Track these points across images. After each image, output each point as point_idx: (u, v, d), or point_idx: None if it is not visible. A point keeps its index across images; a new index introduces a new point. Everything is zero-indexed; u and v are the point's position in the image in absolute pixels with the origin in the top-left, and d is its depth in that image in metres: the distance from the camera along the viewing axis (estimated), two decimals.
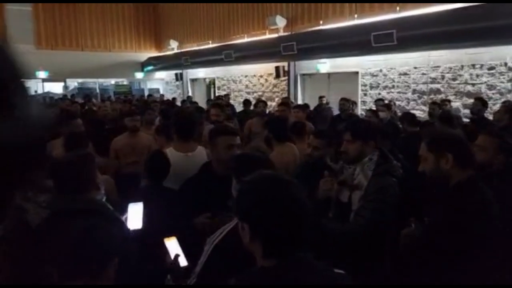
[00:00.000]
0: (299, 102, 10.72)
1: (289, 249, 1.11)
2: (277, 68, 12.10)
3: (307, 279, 1.09)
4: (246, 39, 12.91)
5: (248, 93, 13.77)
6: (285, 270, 1.09)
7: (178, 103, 11.07)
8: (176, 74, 16.70)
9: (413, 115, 5.12)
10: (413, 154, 2.71)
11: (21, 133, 0.48)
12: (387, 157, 2.38)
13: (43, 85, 16.23)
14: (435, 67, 8.93)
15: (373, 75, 10.12)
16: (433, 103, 7.01)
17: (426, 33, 7.64)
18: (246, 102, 8.85)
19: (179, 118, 3.27)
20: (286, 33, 11.44)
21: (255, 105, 8.50)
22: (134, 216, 2.12)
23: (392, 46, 8.18)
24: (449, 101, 7.71)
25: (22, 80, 0.55)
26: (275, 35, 11.72)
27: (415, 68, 9.26)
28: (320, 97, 9.22)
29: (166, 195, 2.69)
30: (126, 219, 2.14)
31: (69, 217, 1.82)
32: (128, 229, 2.07)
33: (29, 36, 14.77)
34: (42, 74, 15.02)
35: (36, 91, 17.36)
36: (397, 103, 9.24)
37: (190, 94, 15.80)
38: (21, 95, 0.51)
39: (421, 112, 9.14)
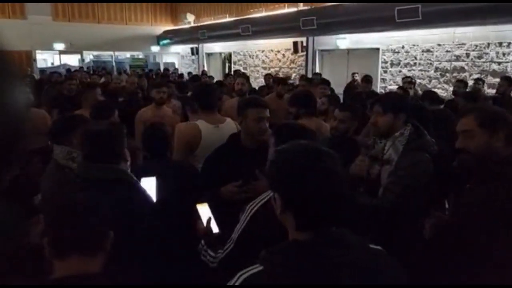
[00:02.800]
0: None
1: (323, 223, 1.07)
2: (295, 43, 11.88)
3: (343, 255, 1.04)
4: (264, 13, 12.65)
5: (265, 68, 13.60)
6: (319, 244, 1.04)
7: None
8: (191, 48, 16.56)
9: (435, 93, 4.99)
10: (438, 132, 2.65)
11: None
12: (421, 132, 2.30)
13: (60, 57, 16.28)
14: (460, 44, 8.66)
15: (394, 52, 9.88)
16: (459, 81, 6.78)
17: (453, 9, 7.36)
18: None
19: (200, 91, 3.23)
20: (306, 7, 11.17)
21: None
22: (148, 190, 2.11)
23: (417, 21, 7.91)
24: (483, 81, 7.40)
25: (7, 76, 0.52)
26: (294, 9, 11.46)
27: (439, 45, 9.00)
28: (353, 74, 9.04)
29: (172, 166, 2.67)
30: None
31: (98, 186, 1.82)
32: (152, 201, 2.05)
33: (46, 8, 14.71)
34: (59, 46, 15.02)
35: (52, 63, 17.49)
36: (419, 81, 9.03)
37: (205, 68, 15.70)
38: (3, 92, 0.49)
39: (443, 91, 8.94)
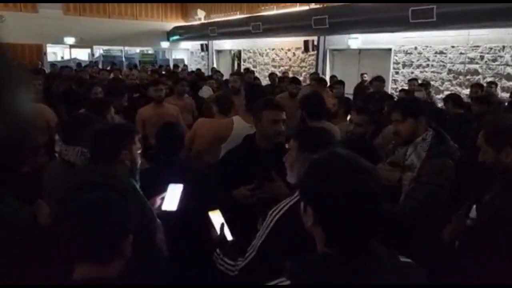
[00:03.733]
0: (327, 78, 10.48)
1: (354, 239, 1.01)
2: (306, 42, 11.79)
3: (374, 269, 1.00)
4: (275, 11, 12.57)
5: (275, 66, 13.53)
6: (350, 258, 1.00)
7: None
8: (201, 45, 16.52)
9: (459, 96, 4.89)
10: (457, 137, 2.58)
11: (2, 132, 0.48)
12: (443, 138, 2.24)
13: (70, 51, 16.33)
14: (474, 46, 8.53)
15: (407, 53, 9.76)
16: (476, 85, 6.62)
17: (468, 10, 7.22)
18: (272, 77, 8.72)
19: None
20: (318, 6, 11.07)
21: (280, 81, 8.36)
22: (172, 198, 2.06)
23: (431, 22, 7.78)
24: (496, 84, 7.26)
25: (11, 76, 0.53)
26: (306, 8, 11.37)
27: (453, 47, 8.87)
28: (362, 74, 8.94)
29: (185, 168, 2.61)
30: (163, 198, 2.09)
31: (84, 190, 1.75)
32: (151, 209, 1.97)
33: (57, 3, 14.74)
34: (69, 40, 15.05)
35: (62, 57, 17.55)
36: (431, 83, 8.91)
37: (215, 65, 15.66)
38: (7, 94, 0.50)
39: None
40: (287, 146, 1.75)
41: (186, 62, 17.06)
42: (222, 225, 1.84)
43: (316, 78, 6.30)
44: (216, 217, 1.89)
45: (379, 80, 6.76)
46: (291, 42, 12.65)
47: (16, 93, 0.52)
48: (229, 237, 1.84)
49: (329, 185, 1.00)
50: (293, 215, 1.55)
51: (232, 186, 2.35)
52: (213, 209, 1.93)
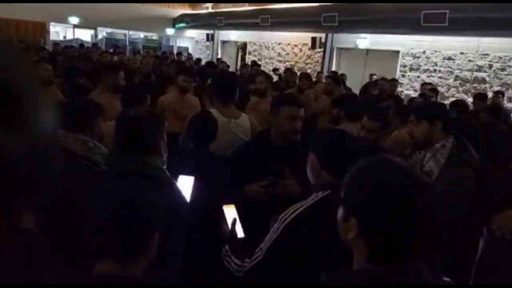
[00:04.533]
0: None
1: (402, 258, 0.93)
2: (313, 38, 11.68)
3: None
4: (285, 5, 12.43)
5: (280, 61, 13.43)
6: (393, 277, 0.91)
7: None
8: (207, 35, 16.36)
9: (465, 104, 4.83)
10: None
11: (25, 148, 0.49)
12: (465, 146, 2.18)
13: (73, 31, 16.12)
14: (484, 54, 8.47)
15: (414, 56, 9.68)
16: (479, 96, 6.34)
17: (481, 18, 7.16)
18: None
19: (220, 80, 3.13)
20: (328, 3, 10.95)
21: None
22: (183, 190, 1.97)
23: (443, 27, 7.71)
24: (503, 93, 7.14)
25: (35, 92, 0.53)
26: (316, 4, 11.24)
27: (462, 53, 8.81)
28: (371, 75, 8.83)
29: (214, 161, 2.54)
30: None
31: (117, 178, 1.64)
32: (185, 201, 1.90)
33: None
34: (74, 20, 14.85)
35: (65, 37, 17.33)
36: (437, 88, 8.86)
37: (219, 56, 15.52)
38: (33, 109, 0.50)
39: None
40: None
41: (190, 51, 16.88)
42: (234, 220, 1.77)
43: (333, 77, 6.24)
44: (230, 212, 1.82)
45: (388, 81, 6.69)
46: (298, 38, 12.53)
47: (37, 110, 0.52)
48: (240, 234, 1.78)
49: (380, 195, 0.91)
50: (305, 220, 1.50)
51: (244, 182, 2.28)
52: (228, 203, 1.86)
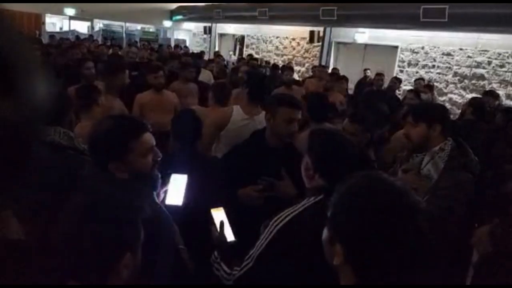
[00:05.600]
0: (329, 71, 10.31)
1: (390, 281, 0.87)
2: (311, 32, 11.57)
3: None
4: None
5: (278, 55, 13.32)
6: None
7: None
8: (204, 27, 16.20)
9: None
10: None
11: (17, 115, 0.49)
12: (464, 149, 2.12)
13: (69, 22, 15.93)
14: (483, 51, 8.41)
15: (413, 52, 9.61)
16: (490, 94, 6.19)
17: (481, 13, 7.09)
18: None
19: (256, 80, 3.19)
20: None
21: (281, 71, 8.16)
22: (176, 190, 1.88)
23: (442, 23, 7.64)
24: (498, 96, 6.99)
25: (28, 60, 0.52)
26: None
27: (461, 49, 8.74)
28: (365, 70, 8.75)
29: (203, 161, 2.46)
30: (166, 192, 1.91)
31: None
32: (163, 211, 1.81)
33: None
34: (69, 11, 14.67)
35: (61, 28, 17.13)
36: (435, 84, 8.81)
37: (217, 49, 15.39)
38: (25, 77, 0.51)
39: (459, 97, 8.74)
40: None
41: (187, 44, 16.73)
42: (222, 223, 1.71)
43: (333, 73, 6.19)
44: (219, 216, 1.76)
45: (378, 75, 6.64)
46: (297, 32, 12.42)
47: (30, 76, 0.52)
48: (230, 237, 1.71)
49: (368, 221, 0.84)
50: (297, 226, 1.44)
51: (238, 184, 2.22)
52: (216, 207, 1.79)
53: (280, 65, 8.35)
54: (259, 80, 3.27)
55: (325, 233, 0.94)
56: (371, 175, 0.94)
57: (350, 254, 0.87)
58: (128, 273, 0.96)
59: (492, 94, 5.28)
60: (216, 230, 1.70)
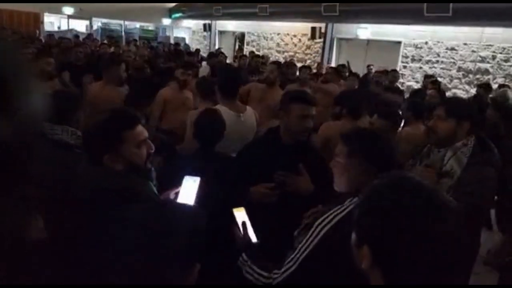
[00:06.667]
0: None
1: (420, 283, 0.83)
2: (313, 28, 11.49)
3: None
4: None
5: (279, 52, 13.24)
6: None
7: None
8: (204, 24, 16.11)
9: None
10: None
11: (13, 134, 0.51)
12: (487, 145, 2.06)
13: (68, 21, 15.83)
14: (487, 45, 8.33)
15: (416, 47, 9.53)
16: (480, 86, 6.40)
17: (486, 7, 7.01)
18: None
19: (225, 75, 3.00)
20: None
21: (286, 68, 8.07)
22: (188, 191, 1.83)
23: (446, 17, 7.55)
24: (509, 87, 7.00)
25: (24, 79, 0.54)
26: None
27: (465, 44, 8.67)
28: (368, 66, 8.67)
29: (221, 161, 2.41)
30: (177, 193, 1.87)
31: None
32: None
33: None
34: (68, 10, 14.57)
35: (59, 27, 17.03)
36: (439, 79, 8.73)
37: (217, 46, 15.30)
38: (21, 96, 0.52)
39: (463, 92, 8.67)
40: (335, 151, 1.53)
41: (187, 41, 16.65)
42: (244, 224, 1.65)
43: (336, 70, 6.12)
44: (241, 216, 1.71)
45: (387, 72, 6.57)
46: (298, 28, 12.34)
47: (23, 88, 0.54)
48: (253, 238, 1.66)
49: (396, 221, 0.80)
50: (344, 229, 1.37)
51: (252, 182, 2.17)
52: (238, 206, 1.74)
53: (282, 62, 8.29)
54: (232, 75, 3.10)
55: (352, 236, 0.90)
56: (396, 175, 0.90)
57: (377, 256, 0.84)
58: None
59: (484, 87, 5.35)
60: (239, 230, 1.65)
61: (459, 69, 8.82)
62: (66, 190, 1.59)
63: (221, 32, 16.48)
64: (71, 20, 15.94)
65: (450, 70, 8.98)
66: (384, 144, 1.47)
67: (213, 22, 15.78)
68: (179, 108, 3.75)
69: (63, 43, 8.69)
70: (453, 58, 8.91)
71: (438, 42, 9.11)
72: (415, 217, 0.80)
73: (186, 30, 18.09)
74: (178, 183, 1.86)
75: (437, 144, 2.16)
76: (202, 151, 2.30)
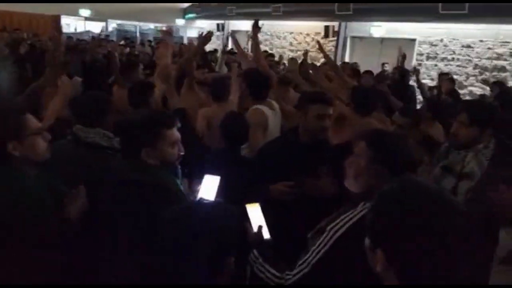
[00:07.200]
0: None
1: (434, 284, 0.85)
2: (326, 27, 11.48)
3: None
4: None
5: (292, 51, 13.25)
6: None
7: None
8: (217, 25, 16.18)
9: None
10: None
11: None
12: (507, 146, 2.08)
13: (85, 23, 16.08)
14: (504, 42, 8.23)
15: (432, 45, 9.46)
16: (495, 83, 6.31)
17: (503, 4, 6.93)
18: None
19: (256, 77, 3.15)
20: None
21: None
22: (208, 189, 1.90)
23: (462, 15, 7.49)
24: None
25: None
26: None
27: (481, 41, 8.57)
28: (383, 64, 8.62)
29: (245, 163, 2.48)
30: (198, 190, 1.94)
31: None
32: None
33: None
34: (84, 13, 14.80)
35: (75, 29, 17.29)
36: (455, 77, 8.65)
37: (229, 46, 15.36)
38: None
39: (480, 90, 8.58)
40: (354, 150, 1.54)
41: None
42: (259, 221, 1.68)
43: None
44: (255, 212, 1.72)
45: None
46: (311, 27, 12.33)
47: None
48: (266, 235, 1.68)
49: (408, 223, 0.83)
50: (358, 233, 1.40)
51: (270, 180, 2.23)
52: (252, 202, 1.77)
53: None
54: (262, 76, 3.22)
55: (366, 240, 0.94)
56: (407, 179, 0.94)
57: (390, 260, 0.86)
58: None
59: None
60: (252, 227, 1.66)
61: (476, 66, 8.73)
62: (93, 187, 1.69)
63: (234, 32, 16.52)
64: (87, 22, 16.18)
65: (466, 67, 8.90)
66: (405, 150, 1.48)
67: (226, 22, 15.84)
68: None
69: (80, 44, 8.87)
70: (469, 56, 8.83)
71: (454, 39, 9.03)
72: (426, 220, 0.82)
73: (199, 30, 18.19)
74: (199, 181, 1.94)
75: (458, 147, 2.17)
76: (228, 152, 2.39)
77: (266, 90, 3.08)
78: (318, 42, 5.86)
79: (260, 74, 3.26)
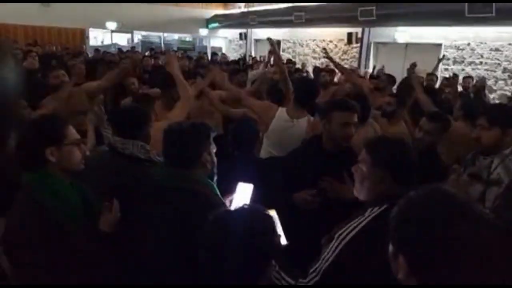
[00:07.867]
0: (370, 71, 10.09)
1: None
2: (349, 34, 11.42)
3: None
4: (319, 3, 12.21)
5: (315, 58, 13.23)
6: None
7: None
8: (240, 33, 16.36)
9: None
10: None
11: None
12: None
13: (111, 35, 16.55)
14: None
15: (458, 49, 9.26)
16: None
17: None
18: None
19: (306, 87, 3.19)
20: None
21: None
22: (242, 199, 1.92)
23: (489, 18, 7.30)
24: None
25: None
26: None
27: (510, 44, 8.33)
28: (374, 67, 8.52)
29: (261, 166, 2.51)
30: (231, 200, 1.96)
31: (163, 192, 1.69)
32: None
33: None
34: (111, 25, 15.25)
35: (102, 42, 17.80)
36: None
37: (253, 54, 15.48)
38: None
39: (509, 94, 8.32)
40: (359, 157, 1.57)
41: (223, 50, 16.95)
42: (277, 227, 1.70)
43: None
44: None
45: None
46: (334, 33, 12.29)
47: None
48: (283, 241, 1.70)
49: (431, 232, 0.83)
50: (365, 239, 1.41)
51: (293, 188, 2.23)
52: (269, 208, 1.79)
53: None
54: (307, 84, 3.27)
55: (390, 247, 0.94)
56: (430, 188, 0.93)
57: (413, 266, 0.86)
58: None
59: None
60: None
61: (505, 70, 8.49)
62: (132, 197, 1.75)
63: (257, 40, 16.65)
64: (114, 34, 16.66)
65: (495, 71, 8.66)
66: (407, 155, 1.49)
67: (249, 30, 15.98)
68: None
69: (107, 57, 9.11)
70: (497, 59, 8.59)
71: (481, 43, 8.81)
72: (450, 228, 0.82)
73: (223, 39, 18.43)
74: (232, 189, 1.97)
75: (482, 152, 2.13)
76: (244, 157, 2.41)
77: (312, 98, 3.13)
78: (323, 49, 5.85)
79: (310, 82, 3.34)
